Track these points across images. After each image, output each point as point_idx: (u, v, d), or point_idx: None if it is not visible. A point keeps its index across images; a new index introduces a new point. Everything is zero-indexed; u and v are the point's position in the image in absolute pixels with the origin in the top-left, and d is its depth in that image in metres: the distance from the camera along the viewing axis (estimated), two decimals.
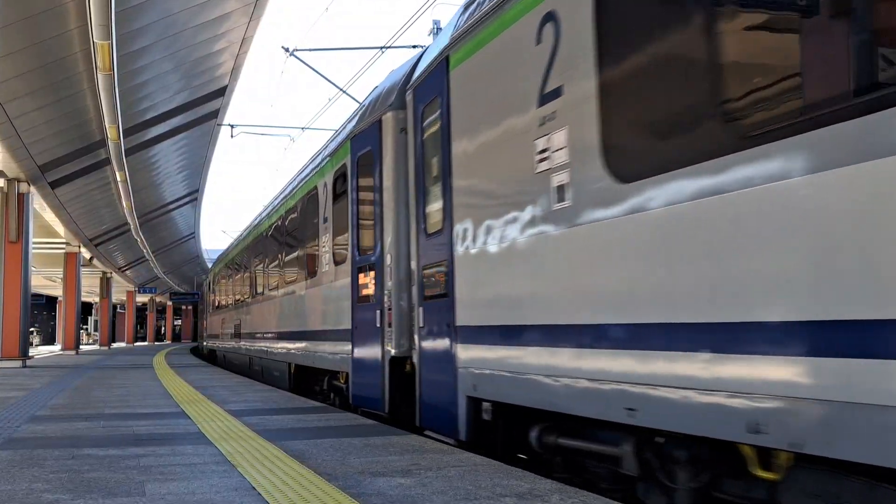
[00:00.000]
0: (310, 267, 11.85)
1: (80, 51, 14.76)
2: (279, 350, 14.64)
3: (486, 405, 6.00)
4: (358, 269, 9.06)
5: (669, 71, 4.01)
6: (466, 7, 6.69)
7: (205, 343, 35.20)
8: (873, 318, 2.97)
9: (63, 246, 32.75)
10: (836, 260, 3.13)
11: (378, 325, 8.28)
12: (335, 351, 10.09)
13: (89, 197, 25.94)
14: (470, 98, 6.25)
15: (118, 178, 21.67)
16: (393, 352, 7.93)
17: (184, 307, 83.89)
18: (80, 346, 37.72)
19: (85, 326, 70.68)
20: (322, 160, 11.42)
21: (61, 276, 35.60)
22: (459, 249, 6.33)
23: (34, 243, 24.07)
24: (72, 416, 8.53)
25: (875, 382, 2.95)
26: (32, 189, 21.36)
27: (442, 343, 6.70)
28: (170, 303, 77.44)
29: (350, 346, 9.28)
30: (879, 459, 2.95)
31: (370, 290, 8.59)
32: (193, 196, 37.72)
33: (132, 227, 30.29)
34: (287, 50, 19.46)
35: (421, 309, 7.23)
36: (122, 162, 19.94)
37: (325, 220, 10.86)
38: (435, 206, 6.96)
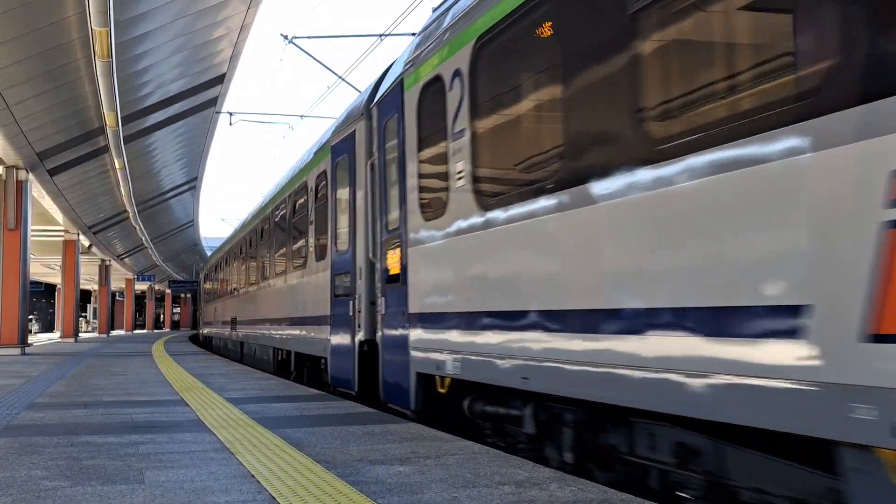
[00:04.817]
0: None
1: (78, 37, 14.69)
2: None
3: None
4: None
5: None
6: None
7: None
8: None
9: (61, 233, 32.72)
10: None
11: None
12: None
13: (88, 184, 25.91)
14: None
15: (116, 166, 21.64)
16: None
17: (182, 295, 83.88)
18: (79, 334, 37.71)
19: (84, 314, 70.70)
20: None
21: (60, 263, 35.55)
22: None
23: (33, 231, 24.06)
24: (70, 403, 8.54)
25: None
26: (31, 176, 21.32)
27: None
28: (168, 291, 77.44)
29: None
30: None
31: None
32: (192, 184, 37.64)
33: (131, 214, 30.27)
34: (286, 37, 19.38)
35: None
36: (121, 149, 19.90)
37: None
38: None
